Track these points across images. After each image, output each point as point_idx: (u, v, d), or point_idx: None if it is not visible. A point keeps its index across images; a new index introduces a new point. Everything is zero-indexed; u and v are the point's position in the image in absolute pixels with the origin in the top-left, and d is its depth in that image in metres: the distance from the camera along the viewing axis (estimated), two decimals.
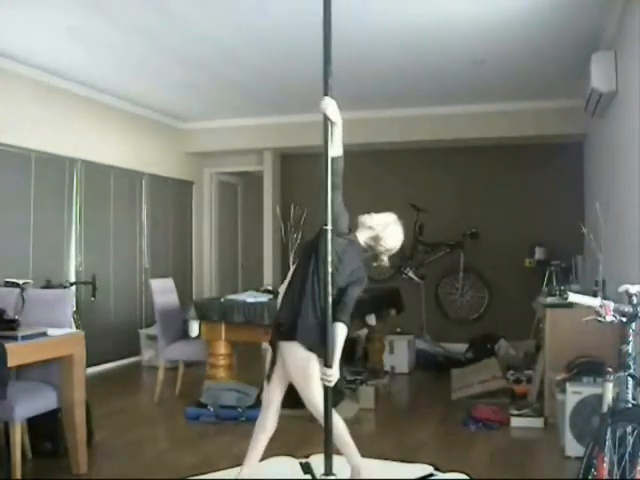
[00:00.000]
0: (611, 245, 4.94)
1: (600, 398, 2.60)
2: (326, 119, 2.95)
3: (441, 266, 7.81)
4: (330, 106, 2.93)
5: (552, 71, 5.87)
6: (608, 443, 2.39)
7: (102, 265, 6.80)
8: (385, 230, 3.21)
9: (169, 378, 5.63)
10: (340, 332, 2.96)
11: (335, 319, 2.93)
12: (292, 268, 3.24)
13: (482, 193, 7.86)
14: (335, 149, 2.99)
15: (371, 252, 3.24)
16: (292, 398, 5.02)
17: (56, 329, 3.59)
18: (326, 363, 2.91)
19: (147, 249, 7.59)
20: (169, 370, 5.78)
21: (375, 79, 6.26)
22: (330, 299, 2.87)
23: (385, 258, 3.27)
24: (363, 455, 3.20)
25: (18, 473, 3.39)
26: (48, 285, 5.40)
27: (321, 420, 2.98)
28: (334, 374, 2.92)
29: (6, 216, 5.63)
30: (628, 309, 2.49)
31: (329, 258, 2.85)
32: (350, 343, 3.08)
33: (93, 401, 4.25)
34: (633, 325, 2.51)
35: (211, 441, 4.38)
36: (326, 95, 2.97)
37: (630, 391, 2.50)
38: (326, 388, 2.97)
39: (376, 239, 3.21)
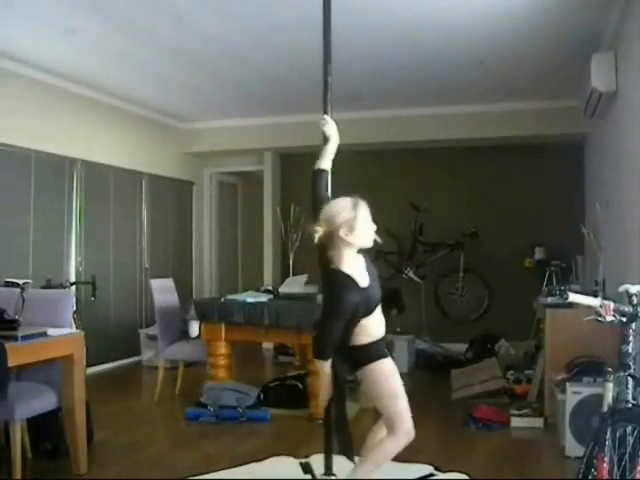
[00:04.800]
0: (611, 245, 4.94)
1: (600, 398, 2.60)
2: (325, 138, 3.05)
3: (441, 266, 7.81)
4: (328, 124, 3.05)
5: (552, 71, 5.86)
6: (608, 443, 2.39)
7: (102, 265, 6.80)
8: (336, 218, 2.68)
9: (169, 378, 5.63)
10: None
11: None
12: None
13: (482, 193, 7.86)
14: (326, 163, 3.03)
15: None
16: (292, 398, 5.07)
17: (56, 329, 3.59)
18: None
19: (147, 249, 7.59)
20: (169, 370, 5.77)
21: (375, 79, 6.25)
22: None
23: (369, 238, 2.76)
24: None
25: (18, 473, 3.39)
26: (48, 285, 5.40)
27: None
28: None
29: (6, 216, 5.63)
30: (628, 309, 2.48)
31: None
32: None
33: (93, 401, 4.25)
34: (633, 325, 2.51)
35: (211, 441, 4.37)
36: (325, 114, 3.10)
37: (630, 391, 2.50)
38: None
39: (335, 235, 2.69)
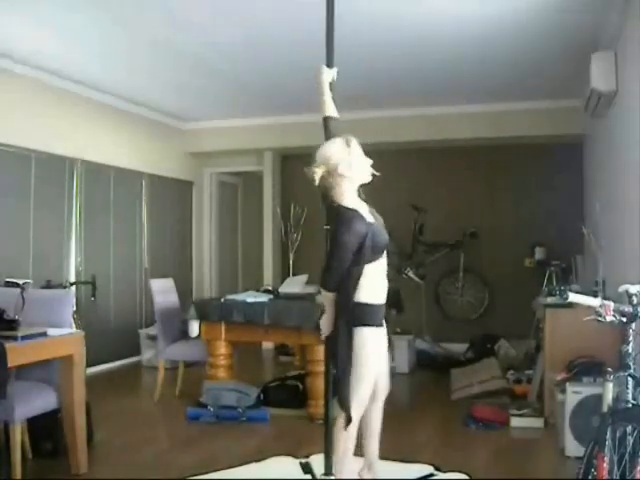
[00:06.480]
0: (611, 245, 4.94)
1: (600, 398, 2.60)
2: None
3: (441, 266, 7.81)
4: (320, 71, 3.12)
5: (552, 71, 5.86)
6: (608, 443, 2.39)
7: (102, 265, 6.80)
8: (332, 159, 2.82)
9: (169, 378, 5.63)
10: None
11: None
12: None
13: (482, 193, 7.86)
14: (327, 109, 3.13)
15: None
16: (292, 398, 5.07)
17: (56, 329, 3.59)
18: None
19: (147, 249, 7.59)
20: (169, 370, 5.77)
21: (376, 79, 6.25)
22: None
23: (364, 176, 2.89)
24: (363, 455, 3.20)
25: (18, 473, 3.39)
26: (48, 285, 5.40)
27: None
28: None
29: (6, 216, 5.63)
30: (628, 309, 2.49)
31: None
32: None
33: (93, 401, 4.25)
34: (633, 325, 2.52)
35: (211, 441, 4.37)
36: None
37: (630, 391, 2.50)
38: (327, 384, 2.98)
39: (334, 173, 2.82)
